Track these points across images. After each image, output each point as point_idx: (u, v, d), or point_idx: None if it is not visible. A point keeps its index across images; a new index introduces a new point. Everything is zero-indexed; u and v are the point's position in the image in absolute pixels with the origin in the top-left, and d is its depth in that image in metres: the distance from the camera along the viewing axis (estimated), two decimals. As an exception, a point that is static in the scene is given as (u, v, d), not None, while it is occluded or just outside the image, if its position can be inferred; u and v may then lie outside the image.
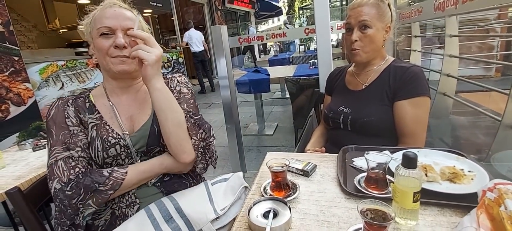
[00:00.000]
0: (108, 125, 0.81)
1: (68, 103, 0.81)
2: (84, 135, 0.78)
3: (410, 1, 2.11)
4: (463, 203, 0.59)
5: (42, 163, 1.31)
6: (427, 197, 0.62)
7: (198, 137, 0.82)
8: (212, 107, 5.05)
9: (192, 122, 0.82)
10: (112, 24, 0.76)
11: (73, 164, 0.73)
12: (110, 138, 0.79)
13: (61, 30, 6.02)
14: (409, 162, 0.54)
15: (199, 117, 0.85)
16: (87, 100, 0.84)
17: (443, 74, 1.98)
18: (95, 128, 0.80)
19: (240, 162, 2.21)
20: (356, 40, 1.02)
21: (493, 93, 1.67)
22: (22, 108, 3.23)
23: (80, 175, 0.72)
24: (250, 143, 3.18)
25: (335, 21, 1.68)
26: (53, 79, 3.84)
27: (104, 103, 0.84)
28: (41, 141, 1.56)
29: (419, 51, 2.52)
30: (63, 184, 0.70)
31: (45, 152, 1.40)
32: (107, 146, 0.78)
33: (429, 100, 0.96)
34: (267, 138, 3.28)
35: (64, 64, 3.93)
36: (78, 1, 5.44)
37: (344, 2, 8.50)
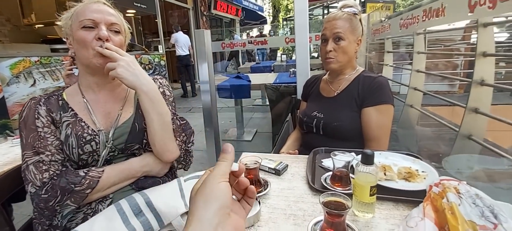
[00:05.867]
0: (84, 122, 0.81)
1: (40, 103, 0.80)
2: (55, 137, 0.77)
3: (382, 19, 2.27)
4: (415, 198, 0.66)
5: (7, 159, 1.25)
6: (384, 193, 0.68)
7: (181, 139, 0.86)
8: (192, 112, 5.01)
9: (178, 124, 0.87)
10: (96, 17, 0.77)
11: (44, 167, 0.73)
12: (85, 135, 0.79)
13: (37, 26, 5.75)
14: (367, 159, 0.60)
15: (184, 122, 0.90)
16: (60, 99, 0.83)
17: (410, 88, 2.13)
18: (70, 125, 0.79)
19: (218, 166, 2.22)
20: (330, 51, 1.10)
21: (456, 108, 1.83)
22: (-12, 104, 3.05)
23: (54, 177, 0.72)
24: (229, 148, 3.19)
25: (315, 33, 1.76)
26: (24, 76, 3.65)
27: (78, 101, 0.84)
28: (8, 138, 1.49)
29: (390, 66, 2.69)
30: (37, 188, 0.70)
31: (8, 149, 1.35)
32: (82, 142, 0.78)
33: (392, 108, 1.04)
34: (246, 144, 3.31)
35: (38, 60, 3.76)
36: (56, -4, 5.25)
37: (325, 15, 8.85)
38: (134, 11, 6.18)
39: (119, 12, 0.86)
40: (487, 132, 1.47)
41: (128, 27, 0.92)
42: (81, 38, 0.77)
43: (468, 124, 1.44)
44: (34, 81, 3.79)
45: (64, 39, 0.85)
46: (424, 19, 1.19)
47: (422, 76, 2.11)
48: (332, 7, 8.57)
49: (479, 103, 1.43)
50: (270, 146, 3.11)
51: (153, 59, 6.16)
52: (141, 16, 7.52)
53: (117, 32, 0.83)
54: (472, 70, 1.50)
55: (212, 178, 0.36)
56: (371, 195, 0.60)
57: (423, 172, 0.77)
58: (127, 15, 6.75)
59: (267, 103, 3.72)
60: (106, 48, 0.76)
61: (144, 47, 6.75)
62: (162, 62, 6.46)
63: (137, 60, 5.71)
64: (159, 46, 6.79)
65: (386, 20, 2.03)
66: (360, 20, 1.13)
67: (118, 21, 0.83)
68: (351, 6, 1.11)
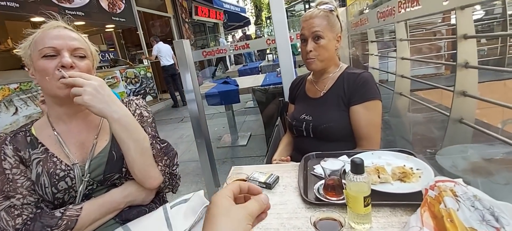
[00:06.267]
0: (56, 157, 0.75)
1: (6, 142, 0.74)
2: (26, 177, 0.71)
3: (362, 9, 2.26)
4: (412, 201, 0.63)
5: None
6: (380, 199, 0.65)
7: (163, 163, 0.81)
8: (184, 121, 4.93)
9: (158, 148, 0.81)
10: (57, 44, 0.72)
11: (16, 212, 0.67)
12: (58, 171, 0.73)
13: (14, 50, 5.56)
14: (357, 168, 0.57)
15: (165, 144, 0.84)
16: (28, 134, 0.77)
17: (397, 75, 2.12)
18: (40, 163, 0.73)
19: (212, 176, 2.17)
20: (311, 51, 1.06)
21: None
22: (-33, 139, 2.92)
23: (28, 222, 0.67)
24: (224, 155, 3.14)
25: (295, 32, 1.73)
26: (4, 105, 3.53)
27: (49, 134, 0.78)
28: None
29: (376, 55, 2.69)
30: None
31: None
32: (55, 180, 0.72)
33: (380, 103, 1.02)
34: (241, 149, 3.26)
35: (18, 87, 3.63)
36: (32, 19, 5.09)
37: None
38: (113, 25, 6.03)
39: (82, 34, 0.80)
40: (477, 111, 1.47)
41: (96, 50, 0.87)
42: (42, 68, 0.72)
43: (458, 108, 1.43)
44: (16, 109, 3.66)
45: (26, 70, 0.79)
46: (400, 10, 1.16)
47: (407, 63, 2.11)
48: (314, 1, 8.55)
49: (466, 86, 1.42)
50: (265, 148, 3.07)
51: (139, 72, 6.05)
52: (122, 29, 7.37)
53: (83, 57, 0.77)
54: (455, 51, 1.49)
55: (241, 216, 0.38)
56: (365, 206, 0.56)
57: (417, 169, 0.74)
58: (107, 30, 6.61)
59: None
60: (69, 76, 0.70)
61: (128, 61, 6.62)
62: (148, 74, 6.35)
63: (122, 75, 5.61)
64: (143, 57, 6.66)
65: (365, 12, 2.02)
66: (337, 16, 1.10)
67: (83, 45, 0.77)
68: (326, 3, 1.08)
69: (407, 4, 1.10)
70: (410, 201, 0.63)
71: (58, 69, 0.71)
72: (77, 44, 0.76)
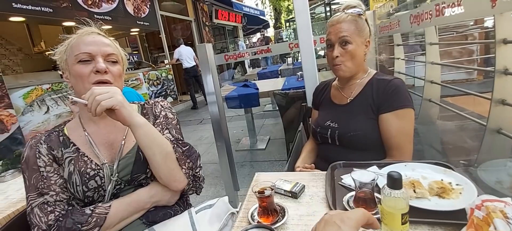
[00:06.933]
0: (86, 156, 0.78)
1: (41, 141, 0.77)
2: (59, 175, 0.74)
3: (390, 11, 2.17)
4: (453, 220, 0.58)
5: (22, 196, 1.24)
6: (417, 216, 0.60)
7: (187, 166, 0.82)
8: (203, 123, 5.00)
9: (181, 151, 0.82)
10: (91, 50, 0.75)
11: (49, 209, 0.70)
12: (88, 170, 0.75)
13: (47, 53, 5.92)
14: (394, 183, 0.53)
15: (187, 147, 0.85)
16: (61, 134, 0.81)
17: (426, 81, 2.02)
18: (72, 162, 0.76)
19: (232, 180, 2.17)
20: (337, 56, 1.03)
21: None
22: (5, 135, 3.13)
23: (60, 218, 0.69)
24: (243, 159, 3.14)
25: (319, 36, 1.70)
26: (37, 104, 3.75)
27: (80, 135, 0.81)
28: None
29: (402, 59, 2.58)
30: None
31: (22, 184, 1.34)
32: (86, 178, 0.74)
33: (413, 112, 0.96)
34: (260, 152, 3.25)
35: (49, 87, 3.85)
36: (63, 24, 5.41)
37: (328, 14, 8.66)
38: (138, 29, 6.27)
39: (114, 40, 0.83)
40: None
41: (125, 55, 0.89)
42: (78, 73, 0.75)
43: (496, 117, 1.33)
44: (48, 108, 3.88)
45: (61, 73, 0.83)
46: (437, 14, 1.10)
47: (438, 68, 2.00)
48: (335, 4, 8.37)
49: (505, 94, 1.32)
50: (284, 153, 3.04)
51: (161, 74, 6.23)
52: (146, 33, 7.64)
53: (115, 62, 0.80)
54: (489, 55, 1.39)
55: None
56: (403, 223, 0.53)
57: (457, 185, 0.69)
58: (131, 33, 6.87)
59: (277, 108, 3.66)
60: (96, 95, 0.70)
61: (150, 63, 6.84)
62: (170, 76, 6.52)
63: (145, 77, 5.80)
64: (165, 60, 6.86)
65: (394, 15, 1.94)
66: (365, 20, 1.06)
67: (115, 51, 0.80)
68: (354, 7, 1.04)
69: (446, 7, 1.03)
70: (451, 220, 0.58)
71: (95, 73, 0.73)
72: (110, 50, 0.79)
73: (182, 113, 6.34)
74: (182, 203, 0.91)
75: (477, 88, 1.71)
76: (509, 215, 0.47)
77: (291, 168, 1.20)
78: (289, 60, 5.44)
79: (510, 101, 1.30)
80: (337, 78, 1.18)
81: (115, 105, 0.70)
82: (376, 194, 0.67)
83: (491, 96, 1.37)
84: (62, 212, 0.71)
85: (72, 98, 0.71)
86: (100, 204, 0.74)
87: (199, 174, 0.86)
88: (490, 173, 1.15)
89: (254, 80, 4.46)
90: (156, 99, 0.96)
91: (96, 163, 0.77)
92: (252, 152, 3.29)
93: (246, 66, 10.69)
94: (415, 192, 0.67)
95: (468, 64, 3.21)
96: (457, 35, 2.99)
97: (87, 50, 0.75)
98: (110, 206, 0.73)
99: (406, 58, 2.67)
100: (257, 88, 3.01)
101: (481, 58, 3.15)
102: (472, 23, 3.22)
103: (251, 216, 0.72)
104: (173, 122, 0.91)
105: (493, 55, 1.37)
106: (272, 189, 0.69)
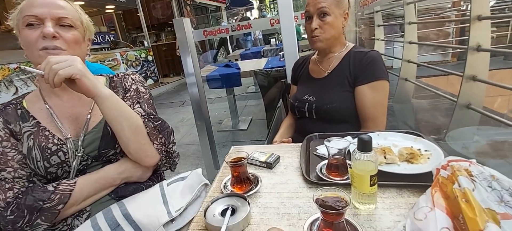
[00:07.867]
0: (48, 131, 0.72)
1: None
2: (17, 150, 0.69)
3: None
4: (420, 182, 0.59)
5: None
6: (386, 179, 0.61)
7: (159, 141, 0.77)
8: (185, 106, 4.90)
9: (152, 126, 0.77)
10: (39, 13, 0.67)
11: (7, 186, 0.65)
12: (50, 145, 0.70)
13: (14, 31, 5.48)
14: (364, 145, 0.53)
15: (160, 122, 0.79)
16: (19, 107, 0.74)
17: (404, 60, 2.06)
18: (31, 136, 0.70)
19: (212, 159, 2.16)
20: (316, 28, 1.01)
21: (451, 76, 1.76)
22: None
23: (19, 195, 0.64)
24: (225, 139, 3.12)
25: (301, 12, 1.66)
26: (4, 84, 3.49)
27: (41, 108, 0.75)
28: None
29: (382, 40, 2.61)
30: (1, 209, 0.62)
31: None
32: (47, 154, 0.69)
33: (388, 84, 0.97)
34: (242, 133, 3.24)
35: (17, 67, 3.58)
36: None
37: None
38: (113, 6, 5.91)
39: (73, 2, 0.75)
40: (485, 99, 1.42)
41: (90, 20, 0.82)
42: (25, 38, 0.68)
43: (466, 93, 1.38)
44: (16, 89, 3.62)
45: (18, 36, 0.75)
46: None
47: (415, 48, 2.04)
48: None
49: (476, 70, 1.36)
50: (266, 133, 3.05)
51: (140, 55, 5.97)
52: (123, 11, 7.22)
53: (70, 26, 0.72)
54: (464, 37, 1.43)
55: None
56: (371, 185, 0.53)
57: (426, 151, 0.70)
58: (107, 11, 6.47)
59: (259, 90, 3.64)
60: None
61: (128, 43, 6.52)
62: (150, 57, 6.27)
63: (123, 57, 5.53)
64: (144, 41, 6.56)
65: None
66: None
67: (70, 14, 0.72)
68: None
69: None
70: (418, 182, 0.60)
71: (43, 38, 0.66)
72: (63, 13, 0.71)
73: (164, 95, 6.16)
74: (156, 178, 0.88)
75: (451, 70, 1.77)
76: (473, 173, 0.48)
77: (270, 143, 1.20)
78: (273, 41, 5.37)
79: (481, 77, 1.35)
80: (316, 52, 1.17)
81: (75, 74, 0.64)
82: (348, 161, 0.67)
83: (463, 74, 1.42)
84: (22, 188, 0.66)
85: (23, 68, 0.65)
86: (64, 181, 0.69)
87: (172, 150, 0.82)
88: (456, 138, 1.20)
89: (236, 60, 4.38)
90: (127, 72, 0.90)
91: (58, 138, 0.72)
92: (234, 132, 3.28)
93: (230, 48, 10.48)
94: (385, 158, 0.68)
95: (446, 45, 3.31)
96: (435, 16, 3.06)
97: (35, 13, 0.67)
98: (75, 182, 0.69)
99: (385, 39, 2.70)
100: (239, 68, 2.96)
101: (456, 40, 3.26)
102: (449, 5, 3.30)
103: (224, 186, 0.71)
104: (144, 96, 0.86)
105: (467, 37, 1.41)
106: (244, 159, 0.67)
